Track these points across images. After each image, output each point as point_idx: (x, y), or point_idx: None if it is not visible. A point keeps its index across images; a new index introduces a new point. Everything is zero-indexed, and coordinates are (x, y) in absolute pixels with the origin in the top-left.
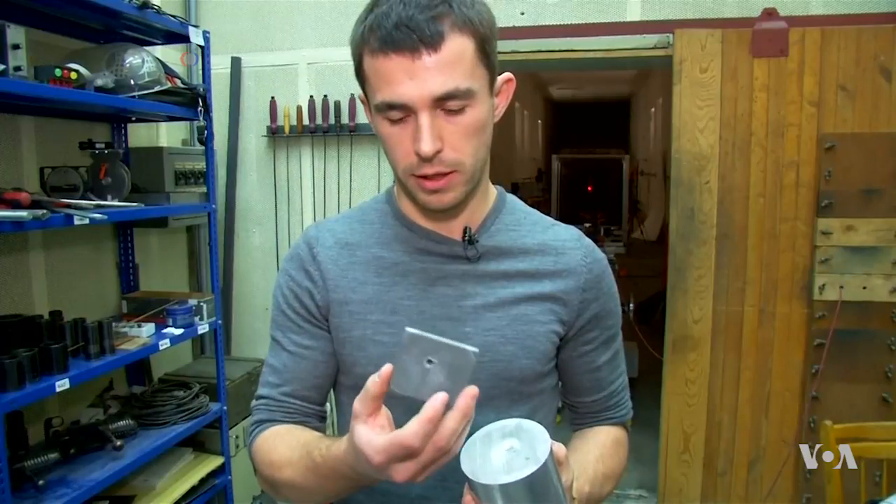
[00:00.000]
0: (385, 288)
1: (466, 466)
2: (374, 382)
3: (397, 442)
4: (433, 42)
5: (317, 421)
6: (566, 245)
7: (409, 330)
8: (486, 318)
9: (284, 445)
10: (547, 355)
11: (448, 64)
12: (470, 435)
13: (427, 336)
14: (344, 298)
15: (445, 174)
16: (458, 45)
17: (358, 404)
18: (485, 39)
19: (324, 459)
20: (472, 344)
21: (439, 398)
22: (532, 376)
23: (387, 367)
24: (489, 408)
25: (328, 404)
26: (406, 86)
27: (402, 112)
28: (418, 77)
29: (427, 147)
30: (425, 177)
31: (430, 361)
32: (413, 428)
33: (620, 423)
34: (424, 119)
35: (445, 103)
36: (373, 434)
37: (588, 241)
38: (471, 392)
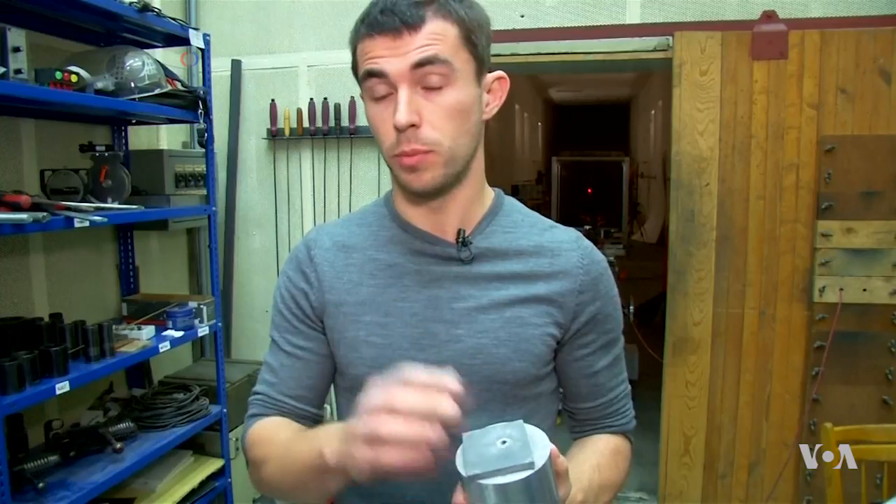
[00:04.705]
0: (379, 290)
1: (461, 464)
2: None
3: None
4: (413, 23)
5: (311, 424)
6: (563, 246)
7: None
8: (479, 320)
9: (287, 428)
10: (542, 358)
11: (427, 38)
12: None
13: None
14: (339, 300)
15: (423, 152)
16: (439, 27)
17: None
18: (470, 30)
19: (312, 432)
20: (465, 346)
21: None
22: (526, 379)
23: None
24: (483, 411)
25: (328, 407)
26: (386, 58)
27: (382, 82)
28: (398, 50)
29: (401, 117)
30: (404, 154)
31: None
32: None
33: (621, 433)
34: (403, 92)
35: (425, 77)
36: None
37: (587, 242)
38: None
